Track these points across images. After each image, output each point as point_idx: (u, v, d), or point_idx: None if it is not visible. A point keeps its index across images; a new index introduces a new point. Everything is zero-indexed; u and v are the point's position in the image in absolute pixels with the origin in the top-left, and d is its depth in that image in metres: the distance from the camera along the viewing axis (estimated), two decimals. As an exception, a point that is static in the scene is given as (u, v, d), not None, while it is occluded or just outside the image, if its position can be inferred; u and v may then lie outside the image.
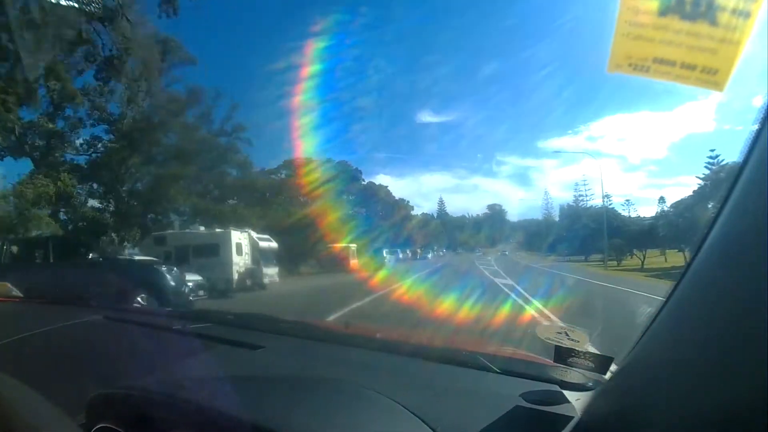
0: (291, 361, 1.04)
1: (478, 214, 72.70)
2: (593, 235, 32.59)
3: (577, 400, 0.75)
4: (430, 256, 46.43)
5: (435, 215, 67.13)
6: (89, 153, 20.29)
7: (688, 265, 0.50)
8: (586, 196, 50.89)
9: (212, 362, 1.02)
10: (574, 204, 50.42)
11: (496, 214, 73.05)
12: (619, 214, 36.53)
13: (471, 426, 0.65)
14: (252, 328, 1.34)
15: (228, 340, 1.14)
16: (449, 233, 61.78)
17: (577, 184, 52.82)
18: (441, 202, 69.31)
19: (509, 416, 0.69)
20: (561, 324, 0.96)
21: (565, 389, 0.80)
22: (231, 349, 1.09)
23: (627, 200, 46.58)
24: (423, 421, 0.62)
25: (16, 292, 1.89)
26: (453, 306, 8.32)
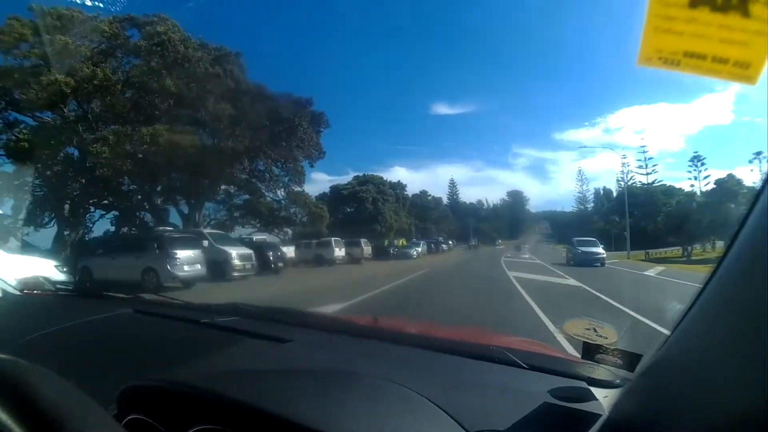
0: (319, 354, 1.04)
1: (495, 203, 65.81)
2: (671, 221, 27.07)
3: (605, 398, 0.74)
4: (416, 251, 30.50)
5: (446, 201, 59.56)
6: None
7: (721, 259, 0.49)
8: (647, 168, 40.58)
9: (241, 355, 1.03)
10: (621, 185, 40.04)
11: (516, 201, 65.87)
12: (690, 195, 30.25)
13: (499, 422, 0.65)
14: (280, 322, 1.35)
15: (256, 334, 1.15)
16: (461, 222, 54.16)
17: (624, 158, 43.92)
18: (452, 184, 60.19)
19: (537, 413, 0.68)
20: (589, 320, 0.95)
21: (592, 386, 0.79)
22: (259, 343, 1.10)
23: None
24: (451, 417, 0.62)
25: (48, 286, 1.95)
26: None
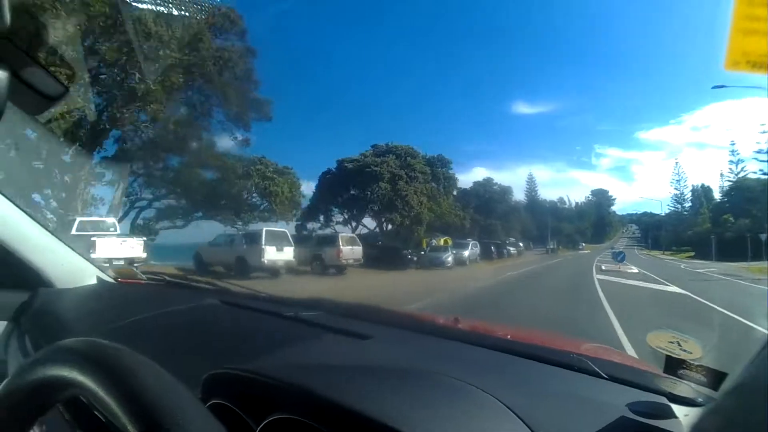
0: (399, 352, 1.03)
1: (578, 202, 55.67)
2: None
3: (685, 416, 0.70)
4: (450, 257, 20.22)
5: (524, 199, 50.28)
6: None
7: None
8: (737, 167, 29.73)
9: (321, 350, 1.04)
10: (731, 179, 29.54)
11: (602, 201, 56.72)
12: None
13: None
14: (362, 318, 1.35)
15: (338, 329, 1.15)
16: (539, 221, 45.78)
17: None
18: (530, 179, 49.54)
19: (614, 427, 0.66)
20: (673, 332, 0.90)
21: (673, 402, 0.75)
22: (340, 338, 1.10)
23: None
24: (527, 425, 0.61)
25: (140, 276, 2.08)
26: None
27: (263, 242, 14.59)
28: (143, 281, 2.06)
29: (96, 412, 0.77)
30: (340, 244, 17.21)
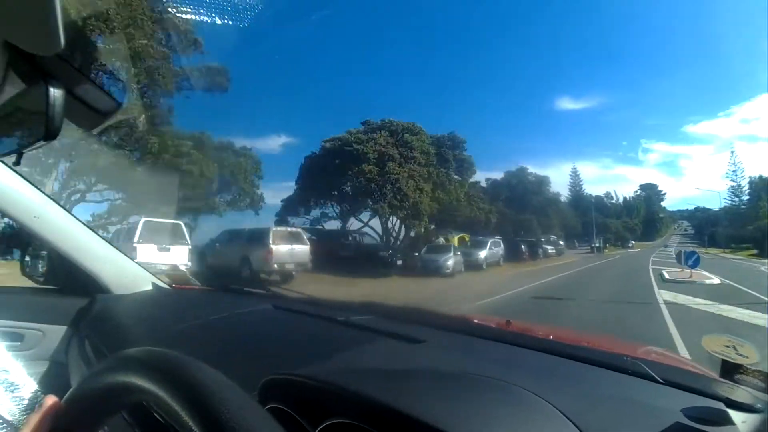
0: (452, 356, 1.03)
1: (626, 197, 50.78)
2: None
3: (743, 423, 0.66)
4: (450, 260, 15.75)
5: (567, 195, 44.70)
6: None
7: None
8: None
9: (374, 354, 1.04)
10: None
11: (651, 196, 52.04)
12: None
13: None
14: (414, 322, 1.34)
15: (390, 333, 1.15)
16: (583, 217, 40.65)
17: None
18: (574, 173, 43.49)
19: None
20: (729, 337, 0.85)
21: (730, 408, 0.71)
22: (393, 342, 1.10)
23: None
24: (579, 429, 0.60)
25: (194, 281, 2.20)
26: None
27: (270, 242, 12.61)
28: (197, 287, 2.15)
29: (156, 415, 0.82)
30: (271, 241, 12.88)
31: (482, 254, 17.87)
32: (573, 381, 0.85)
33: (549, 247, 26.42)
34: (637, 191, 52.84)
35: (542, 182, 32.95)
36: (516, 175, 31.48)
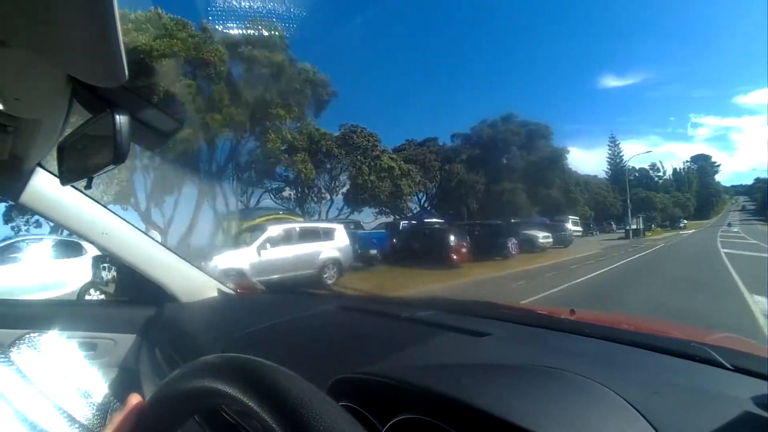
0: (517, 349, 1.03)
1: (676, 168, 42.97)
2: None
3: None
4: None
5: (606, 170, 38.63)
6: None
7: None
8: None
9: (440, 349, 1.04)
10: None
11: (704, 168, 44.37)
12: None
13: (695, 430, 0.59)
14: (477, 315, 1.34)
15: (455, 327, 1.15)
16: (624, 193, 33.16)
17: None
18: (613, 142, 37.95)
19: (738, 422, 0.60)
20: None
21: None
22: (458, 336, 1.10)
23: None
24: (646, 419, 0.59)
25: (259, 286, 2.24)
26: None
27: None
28: (262, 291, 2.19)
29: (226, 416, 0.85)
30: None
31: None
32: (638, 369, 0.83)
33: (538, 234, 18.21)
34: (687, 162, 45.60)
35: (536, 133, 23.19)
36: (493, 125, 22.85)
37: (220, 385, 0.47)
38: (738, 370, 0.78)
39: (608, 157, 40.25)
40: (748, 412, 0.62)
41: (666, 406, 0.64)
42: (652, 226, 31.36)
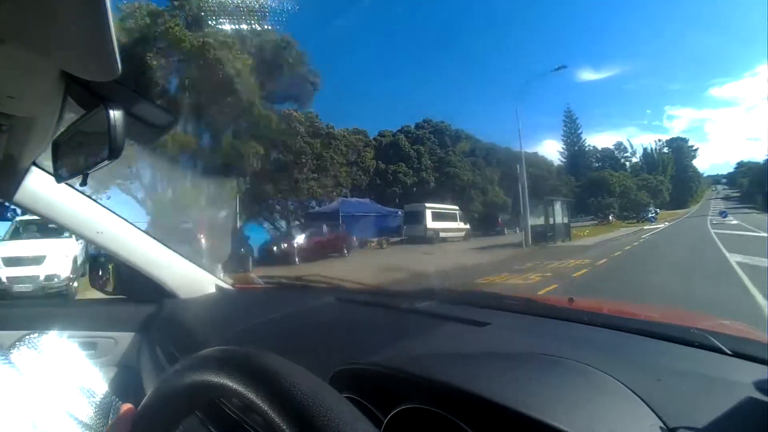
0: (518, 337, 1.02)
1: (646, 148, 35.55)
2: None
3: None
4: None
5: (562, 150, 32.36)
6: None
7: None
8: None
9: (440, 339, 1.04)
10: None
11: (681, 154, 37.49)
12: None
13: (698, 416, 0.59)
14: (477, 305, 1.34)
15: (455, 317, 1.15)
16: (581, 179, 29.61)
17: None
18: (568, 117, 32.95)
19: (740, 407, 0.61)
20: None
21: None
22: (458, 326, 1.10)
23: None
24: (647, 405, 0.60)
25: (257, 281, 2.22)
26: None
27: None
28: (260, 285, 2.19)
29: (227, 411, 0.86)
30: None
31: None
32: (639, 356, 0.84)
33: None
34: (660, 143, 36.99)
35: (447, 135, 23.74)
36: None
37: (216, 378, 0.47)
38: (738, 355, 0.78)
39: (563, 136, 32.22)
40: (749, 397, 0.62)
41: (667, 392, 0.64)
42: (610, 217, 25.79)
